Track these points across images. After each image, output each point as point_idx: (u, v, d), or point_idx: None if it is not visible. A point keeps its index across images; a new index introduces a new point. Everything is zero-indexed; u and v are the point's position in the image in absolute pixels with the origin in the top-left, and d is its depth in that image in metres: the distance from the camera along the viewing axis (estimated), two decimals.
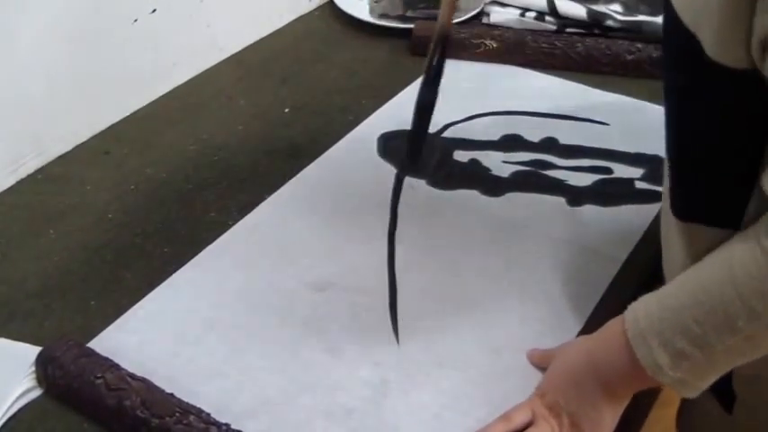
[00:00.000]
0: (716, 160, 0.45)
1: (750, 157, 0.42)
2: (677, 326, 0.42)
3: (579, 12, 0.94)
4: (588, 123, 0.81)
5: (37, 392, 0.54)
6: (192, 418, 0.50)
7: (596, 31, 0.94)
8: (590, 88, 0.86)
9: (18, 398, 0.53)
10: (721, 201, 0.46)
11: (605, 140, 0.79)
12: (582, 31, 0.94)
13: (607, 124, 0.81)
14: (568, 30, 0.95)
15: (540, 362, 0.55)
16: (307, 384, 0.54)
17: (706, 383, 0.44)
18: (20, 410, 0.52)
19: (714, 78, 0.41)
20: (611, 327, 0.47)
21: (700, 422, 0.61)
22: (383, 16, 0.98)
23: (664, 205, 0.51)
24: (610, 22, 0.93)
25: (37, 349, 0.55)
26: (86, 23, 0.75)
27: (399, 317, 0.60)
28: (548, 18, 0.95)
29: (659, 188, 0.69)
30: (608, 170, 0.75)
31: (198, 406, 0.51)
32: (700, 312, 0.42)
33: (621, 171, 0.75)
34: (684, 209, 0.48)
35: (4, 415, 0.52)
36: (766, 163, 0.41)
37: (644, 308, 0.45)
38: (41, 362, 0.54)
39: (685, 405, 0.64)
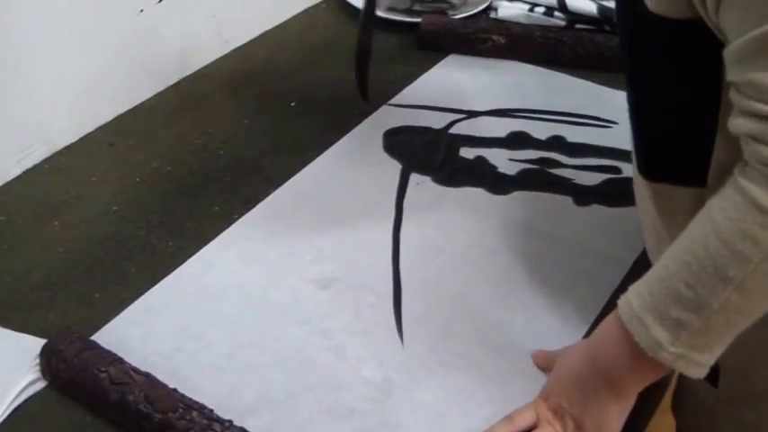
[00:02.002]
0: (671, 114, 0.46)
1: (704, 110, 0.42)
2: (669, 294, 0.42)
3: (589, 8, 0.93)
4: (596, 122, 0.81)
5: (41, 384, 0.54)
6: (194, 413, 0.50)
7: (607, 28, 0.93)
8: (599, 86, 0.86)
9: (22, 389, 0.53)
10: (683, 156, 0.47)
11: (614, 139, 0.78)
12: (592, 27, 0.93)
13: (616, 123, 0.81)
14: (578, 26, 0.94)
15: (544, 364, 0.55)
16: (310, 382, 0.55)
17: (708, 357, 0.42)
18: (24, 402, 0.53)
19: (656, 30, 0.43)
20: (607, 321, 0.47)
21: (694, 406, 0.61)
22: (390, 9, 0.98)
23: (634, 170, 0.52)
24: None
25: (41, 341, 0.55)
26: (92, 13, 0.74)
27: (403, 315, 0.60)
28: (557, 14, 0.95)
29: None
30: (616, 169, 0.75)
31: (201, 402, 0.51)
32: (688, 274, 0.41)
33: (630, 171, 0.74)
34: (650, 168, 0.49)
35: (8, 406, 0.52)
36: (725, 110, 0.41)
37: (634, 290, 0.45)
38: (45, 354, 0.54)
39: (679, 391, 0.64)
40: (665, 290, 0.42)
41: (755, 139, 0.38)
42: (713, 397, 0.57)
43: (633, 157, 0.51)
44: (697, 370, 0.43)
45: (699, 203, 0.46)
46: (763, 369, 0.53)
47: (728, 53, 0.39)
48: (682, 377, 0.58)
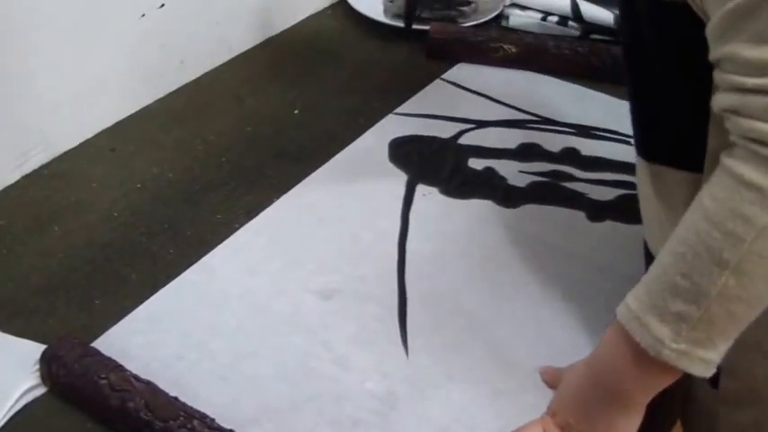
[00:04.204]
0: (665, 99, 0.49)
1: (697, 96, 0.44)
2: (666, 289, 0.43)
3: (606, 17, 0.95)
4: (611, 135, 0.83)
5: (41, 390, 0.56)
6: (195, 422, 0.52)
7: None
8: (615, 99, 0.88)
9: (22, 395, 0.56)
10: (678, 140, 0.49)
11: (629, 153, 0.78)
12: (608, 38, 0.95)
13: (632, 136, 0.82)
14: (593, 36, 0.96)
15: (552, 380, 0.55)
16: (312, 393, 0.57)
17: (712, 354, 0.43)
18: (23, 408, 0.55)
19: (651, 11, 0.45)
20: (607, 331, 0.48)
21: (693, 408, 0.63)
22: (397, 17, 1.00)
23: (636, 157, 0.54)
24: None
25: (41, 347, 0.58)
26: (94, 18, 0.77)
27: (408, 327, 0.62)
28: (571, 23, 0.96)
29: None
30: (632, 185, 0.75)
31: (202, 411, 0.54)
32: (683, 264, 0.42)
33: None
34: (647, 148, 0.52)
35: (8, 412, 0.55)
36: (715, 88, 0.43)
37: (632, 294, 0.46)
38: (45, 360, 0.57)
39: (687, 400, 0.65)
40: (662, 285, 0.43)
41: (737, 112, 0.40)
42: (712, 398, 0.58)
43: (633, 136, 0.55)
44: (703, 368, 0.43)
45: (695, 189, 0.47)
46: (762, 368, 0.54)
47: (709, 31, 0.41)
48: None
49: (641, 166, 0.54)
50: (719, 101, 0.42)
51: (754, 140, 0.39)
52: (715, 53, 0.41)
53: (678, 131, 0.50)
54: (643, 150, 0.53)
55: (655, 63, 0.49)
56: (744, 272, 0.40)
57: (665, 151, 0.51)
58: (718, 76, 0.41)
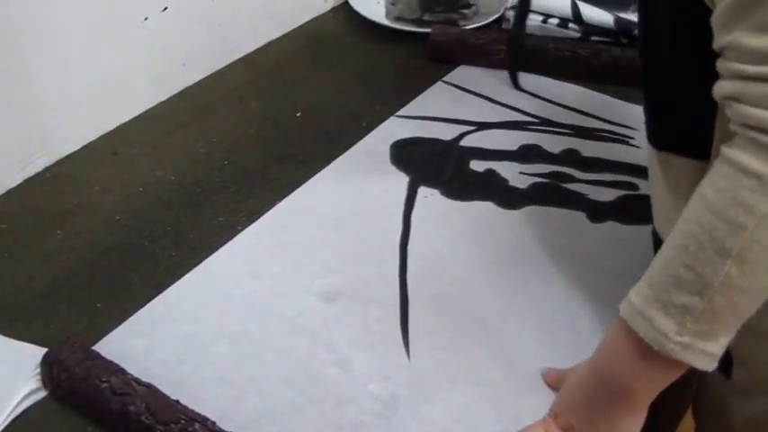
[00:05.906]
0: (674, 83, 0.49)
1: (704, 82, 0.44)
2: (669, 281, 0.42)
3: (606, 19, 0.94)
4: (612, 136, 0.82)
5: (41, 394, 0.55)
6: (197, 426, 0.51)
7: (624, 41, 0.94)
8: (615, 100, 0.87)
9: (23, 399, 0.55)
10: (686, 127, 0.49)
11: (630, 154, 0.79)
12: (608, 39, 0.94)
13: (632, 138, 0.82)
14: (593, 38, 0.95)
15: (555, 383, 0.55)
16: (314, 396, 0.56)
17: (714, 347, 0.42)
18: (24, 411, 0.54)
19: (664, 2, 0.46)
20: (609, 329, 0.48)
21: (706, 399, 0.62)
22: (399, 19, 0.99)
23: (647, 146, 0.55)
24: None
25: (43, 350, 0.57)
26: (97, 20, 0.76)
27: (410, 330, 0.61)
28: (571, 25, 0.95)
29: None
30: (633, 186, 0.75)
31: (203, 414, 0.52)
32: (686, 256, 0.42)
33: (647, 188, 0.76)
34: (656, 136, 0.52)
35: (9, 415, 0.54)
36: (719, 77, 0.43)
37: (634, 290, 0.46)
38: (47, 363, 0.56)
39: (699, 391, 0.65)
40: (665, 278, 0.43)
41: (737, 99, 0.40)
42: (725, 388, 0.57)
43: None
44: (706, 361, 0.43)
45: (702, 176, 0.47)
46: None
47: (714, 19, 0.41)
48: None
49: (651, 154, 0.54)
50: (721, 88, 0.41)
51: (754, 128, 0.39)
52: (719, 41, 0.41)
53: (686, 120, 0.50)
54: (653, 138, 0.53)
55: (666, 51, 0.49)
56: (746, 260, 0.40)
57: (674, 140, 0.51)
58: (721, 64, 0.41)
